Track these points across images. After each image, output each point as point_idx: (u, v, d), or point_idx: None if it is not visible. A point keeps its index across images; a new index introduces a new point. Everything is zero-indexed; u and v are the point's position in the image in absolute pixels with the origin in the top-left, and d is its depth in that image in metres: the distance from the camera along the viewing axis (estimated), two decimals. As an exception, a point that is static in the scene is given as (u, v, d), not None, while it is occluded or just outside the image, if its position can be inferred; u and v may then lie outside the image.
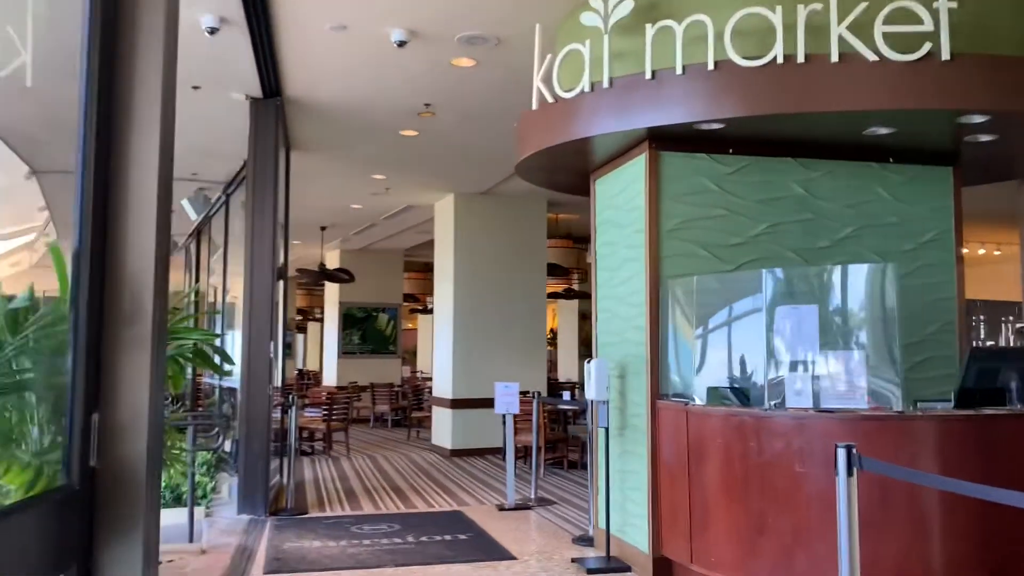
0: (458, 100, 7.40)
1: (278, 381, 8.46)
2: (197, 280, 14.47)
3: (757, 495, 4.21)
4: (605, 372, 5.37)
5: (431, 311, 23.15)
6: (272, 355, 7.13)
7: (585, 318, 19.51)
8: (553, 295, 16.48)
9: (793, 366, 4.25)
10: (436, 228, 12.33)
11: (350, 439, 12.09)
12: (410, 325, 28.04)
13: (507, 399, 7.38)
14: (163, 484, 7.39)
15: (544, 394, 11.57)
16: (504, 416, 9.68)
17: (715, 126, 4.80)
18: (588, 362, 5.46)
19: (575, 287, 17.13)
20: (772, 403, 4.24)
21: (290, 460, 7.78)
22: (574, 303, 19.67)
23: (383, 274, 17.83)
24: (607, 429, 5.44)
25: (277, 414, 8.01)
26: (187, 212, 11.14)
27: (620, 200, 5.61)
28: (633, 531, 5.32)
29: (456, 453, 11.25)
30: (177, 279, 20.44)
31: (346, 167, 9.98)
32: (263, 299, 7.28)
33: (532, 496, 7.76)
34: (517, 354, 11.67)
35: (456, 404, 11.33)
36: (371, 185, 11.03)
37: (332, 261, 17.38)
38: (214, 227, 12.09)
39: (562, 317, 19.79)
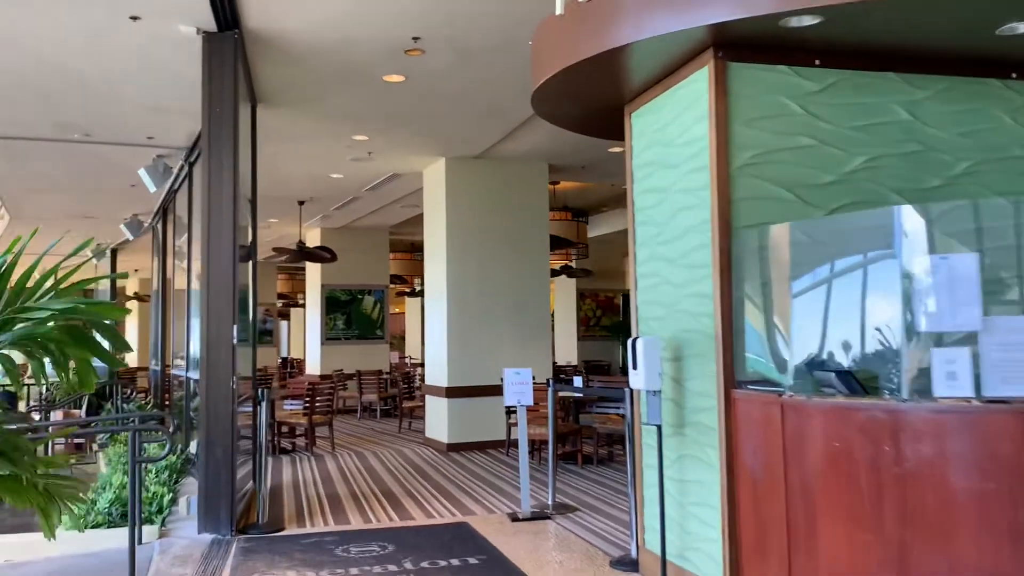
0: (452, 32, 6.13)
1: (246, 371, 7.23)
2: (164, 266, 13.16)
3: (894, 519, 3.04)
4: (657, 354, 4.18)
5: (420, 293, 21.96)
6: (235, 342, 5.89)
7: (584, 297, 18.36)
8: (551, 273, 15.30)
9: (939, 339, 3.06)
10: (426, 198, 11.08)
11: (335, 433, 10.87)
12: (397, 309, 26.80)
13: (518, 388, 6.18)
14: (108, 497, 6.16)
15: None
16: (510, 407, 8.57)
17: (809, 21, 3.59)
18: (633, 341, 4.27)
19: (572, 264, 15.95)
20: (913, 391, 3.06)
21: (260, 463, 6.55)
22: (571, 281, 18.53)
23: (368, 254, 16.56)
24: (659, 427, 4.25)
25: (249, 408, 6.80)
26: (145, 184, 9.84)
27: (670, 133, 4.40)
28: (698, 557, 4.14)
29: (454, 447, 10.06)
30: (144, 263, 19.09)
31: (323, 126, 8.70)
32: (222, 277, 6.03)
33: (550, 502, 6.58)
34: (518, 337, 10.47)
35: (452, 393, 10.13)
36: (352, 149, 9.75)
37: (313, 240, 16.09)
38: (179, 203, 10.79)
39: (559, 296, 18.63)
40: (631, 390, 4.85)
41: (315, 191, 12.45)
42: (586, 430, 8.90)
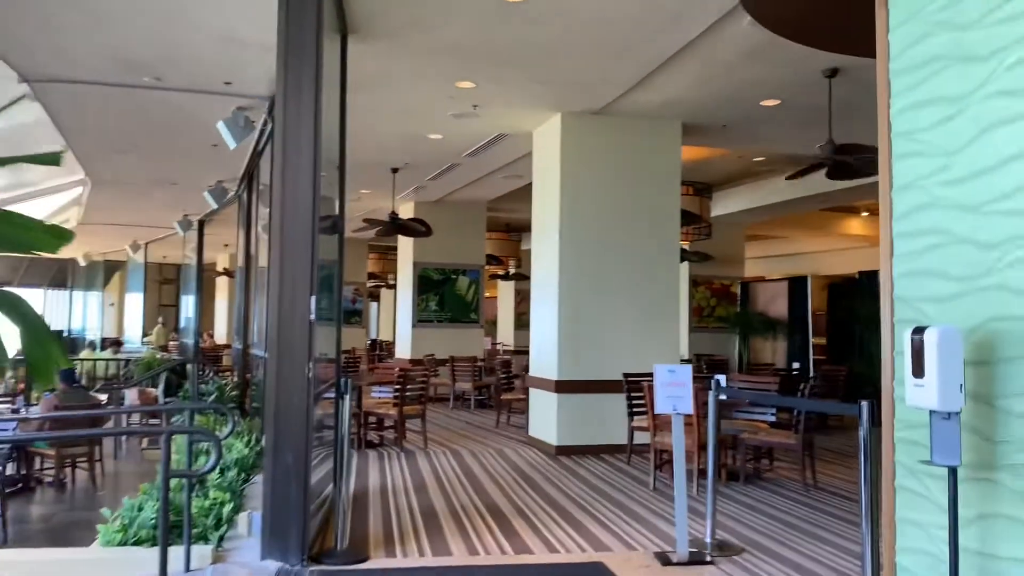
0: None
1: (330, 351, 5.96)
2: (248, 239, 12.10)
3: None
4: (958, 356, 2.63)
5: (515, 276, 20.59)
6: (312, 317, 4.59)
7: (697, 284, 16.63)
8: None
9: None
10: (535, 164, 9.63)
11: (427, 425, 9.59)
12: (488, 293, 25.55)
13: (673, 391, 4.67)
14: (155, 505, 4.95)
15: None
16: (634, 406, 7.10)
17: None
18: (913, 334, 2.72)
19: (687, 246, 14.26)
20: None
21: (342, 467, 5.25)
22: (683, 265, 16.80)
23: (463, 231, 15.27)
24: (954, 470, 2.69)
25: (331, 395, 5.51)
26: (225, 141, 8.72)
27: (972, 6, 2.81)
28: None
29: (563, 451, 8.63)
30: (233, 237, 18.23)
31: (424, 66, 7.34)
32: (298, 239, 4.73)
33: (707, 539, 5.06)
34: (641, 327, 8.95)
35: (562, 387, 8.69)
36: (456, 101, 8.39)
37: (405, 215, 14.88)
38: (263, 169, 9.65)
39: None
40: (869, 404, 3.29)
41: (411, 156, 11.17)
42: (730, 440, 7.33)
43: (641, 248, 9.01)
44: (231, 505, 5.33)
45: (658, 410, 4.74)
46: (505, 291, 22.97)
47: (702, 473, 7.27)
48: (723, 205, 14.44)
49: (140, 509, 4.94)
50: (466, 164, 11.48)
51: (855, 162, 7.09)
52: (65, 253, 25.60)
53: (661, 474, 7.25)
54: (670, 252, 9.19)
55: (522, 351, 20.60)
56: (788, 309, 15.79)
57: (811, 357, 14.95)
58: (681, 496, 4.76)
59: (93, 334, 25.78)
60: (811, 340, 15.12)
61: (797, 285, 15.82)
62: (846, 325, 14.51)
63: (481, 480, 7.34)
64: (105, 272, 26.79)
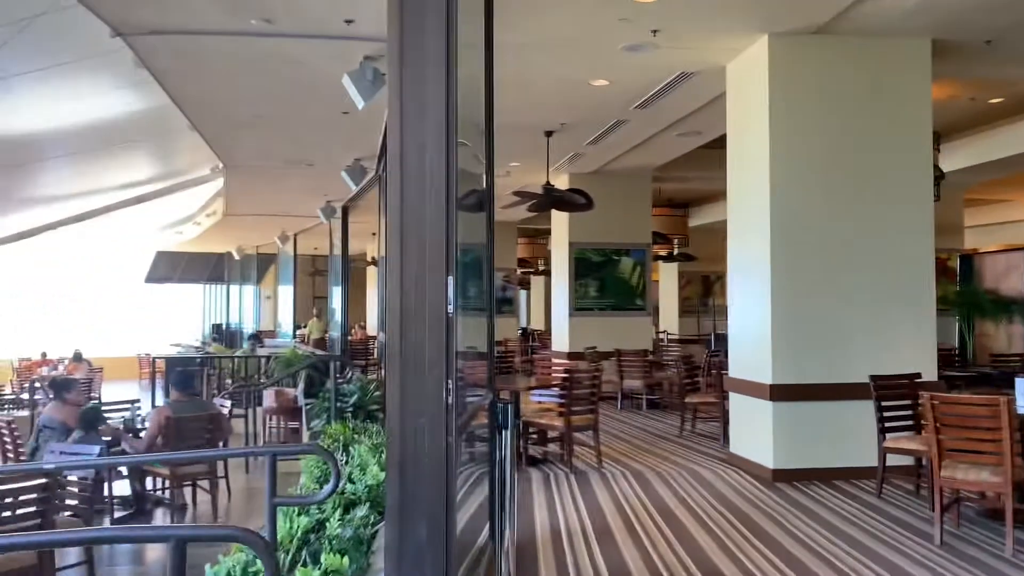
0: None
1: (480, 345, 4.28)
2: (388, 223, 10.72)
3: None
4: None
5: (678, 257, 18.46)
6: (450, 309, 2.88)
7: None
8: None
9: None
10: (731, 107, 7.61)
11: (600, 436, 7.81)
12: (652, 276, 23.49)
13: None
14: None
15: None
16: (887, 423, 5.00)
17: None
18: None
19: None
20: None
21: (502, 512, 3.60)
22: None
23: (627, 205, 13.33)
24: None
25: (477, 397, 3.84)
26: (352, 99, 7.31)
27: None
28: None
29: (783, 476, 6.62)
30: (364, 227, 16.94)
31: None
32: (428, 223, 3.00)
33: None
34: (884, 315, 6.79)
35: (780, 394, 6.67)
36: (629, 26, 6.53)
37: (561, 187, 13.14)
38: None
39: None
40: None
41: (569, 112, 9.39)
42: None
43: (881, 216, 6.85)
44: (372, 533, 3.82)
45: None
46: (667, 273, 20.88)
47: (996, 514, 5.11)
48: (948, 162, 11.80)
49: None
50: (635, 120, 9.58)
51: None
52: (219, 247, 25.66)
53: (948, 518, 5.13)
54: (920, 220, 6.94)
55: (689, 340, 18.51)
56: (1028, 285, 12.94)
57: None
58: None
59: (248, 328, 25.76)
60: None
61: (1038, 256, 12.93)
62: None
63: (683, 521, 5.48)
64: (258, 265, 26.75)
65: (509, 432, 3.37)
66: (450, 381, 2.97)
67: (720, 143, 8.18)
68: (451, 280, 2.93)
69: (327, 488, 3.27)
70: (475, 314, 4.02)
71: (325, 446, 5.46)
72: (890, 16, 6.34)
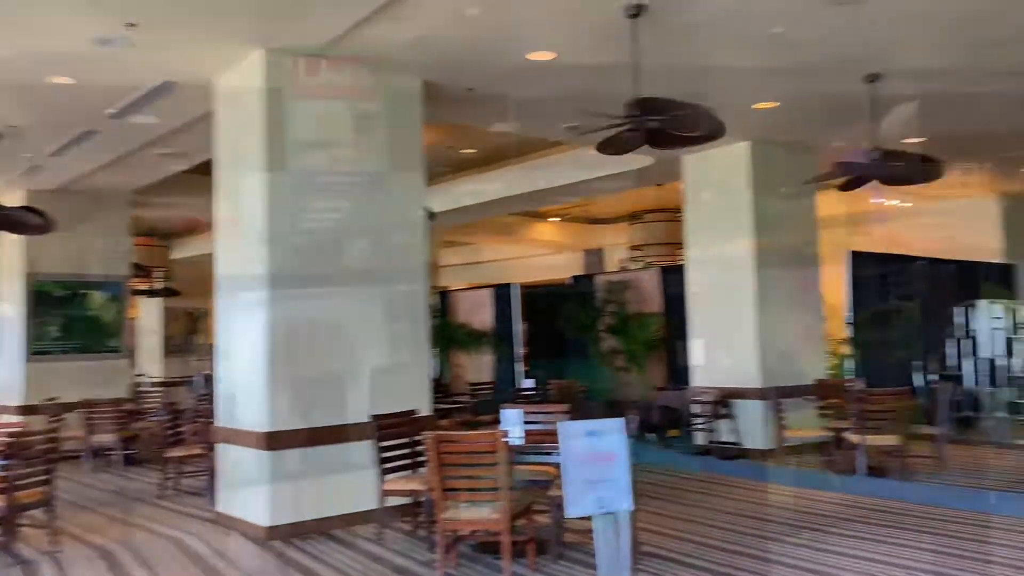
0: None
1: None
2: None
3: None
4: None
5: (163, 292, 16.88)
6: None
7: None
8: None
9: None
10: (219, 125, 6.83)
11: (58, 503, 6.26)
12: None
13: (596, 471, 2.49)
14: None
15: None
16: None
17: None
18: None
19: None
20: None
21: None
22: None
23: (98, 231, 11.53)
24: None
25: None
26: None
27: None
28: None
29: (279, 533, 5.97)
30: None
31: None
32: None
33: None
34: (383, 354, 6.63)
35: (277, 441, 6.03)
36: (100, 13, 5.40)
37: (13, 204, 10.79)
38: None
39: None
40: None
41: (22, 112, 7.65)
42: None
43: (379, 257, 6.67)
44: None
45: (573, 512, 2.54)
46: (150, 309, 18.97)
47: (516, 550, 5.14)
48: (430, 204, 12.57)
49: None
50: (109, 131, 8.21)
51: (665, 123, 5.53)
52: None
53: (447, 558, 4.99)
54: (415, 262, 6.92)
55: (176, 382, 16.95)
56: (495, 319, 14.40)
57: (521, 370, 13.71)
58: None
59: None
60: (522, 352, 13.87)
61: (501, 293, 14.50)
62: (551, 333, 13.47)
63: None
64: None
65: None
66: None
67: (208, 168, 7.33)
68: None
69: None
70: None
71: None
72: (387, 47, 6.26)
